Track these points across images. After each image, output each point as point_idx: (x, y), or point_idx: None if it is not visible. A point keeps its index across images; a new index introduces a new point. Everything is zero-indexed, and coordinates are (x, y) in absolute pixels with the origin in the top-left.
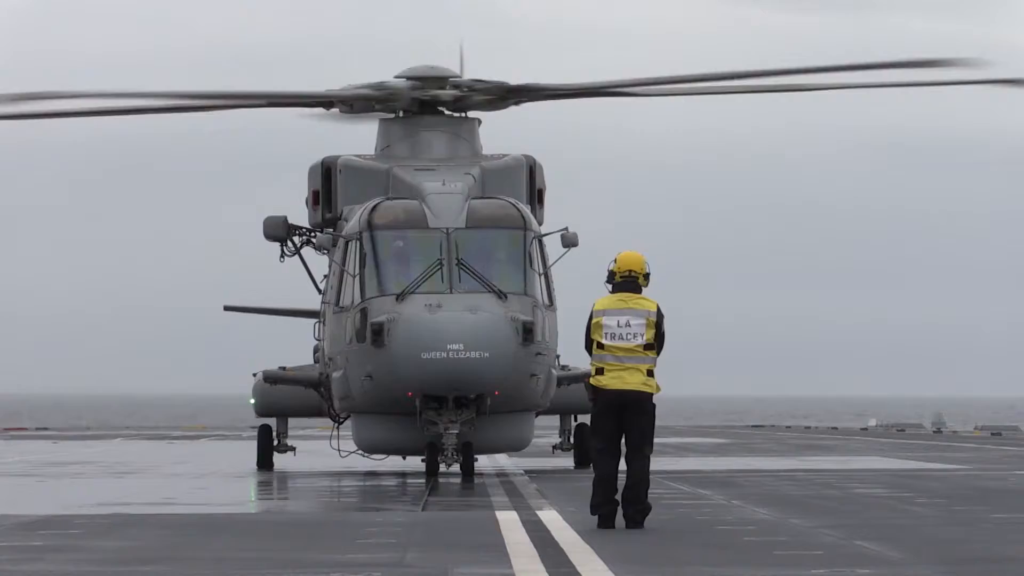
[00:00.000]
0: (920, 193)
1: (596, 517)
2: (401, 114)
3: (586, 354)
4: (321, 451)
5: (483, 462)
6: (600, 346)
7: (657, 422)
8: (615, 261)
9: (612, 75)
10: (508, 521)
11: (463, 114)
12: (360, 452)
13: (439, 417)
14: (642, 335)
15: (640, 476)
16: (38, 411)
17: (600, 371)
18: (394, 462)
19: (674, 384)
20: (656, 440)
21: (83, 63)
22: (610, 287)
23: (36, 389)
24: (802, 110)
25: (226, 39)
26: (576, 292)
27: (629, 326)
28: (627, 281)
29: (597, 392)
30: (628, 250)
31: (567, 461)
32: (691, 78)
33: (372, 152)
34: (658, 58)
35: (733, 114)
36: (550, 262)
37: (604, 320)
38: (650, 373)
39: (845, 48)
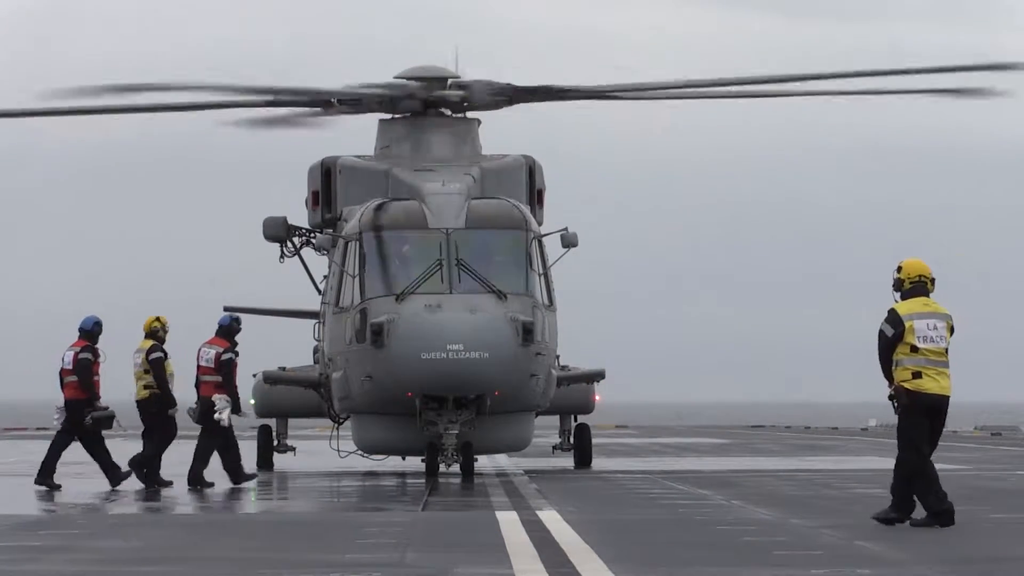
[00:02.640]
0: (919, 199)
1: (936, 515)
2: (400, 115)
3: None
4: (321, 451)
5: (483, 462)
6: (915, 349)
7: (656, 423)
8: (900, 268)
9: (610, 80)
10: (508, 521)
11: (462, 114)
12: (360, 452)
13: (439, 417)
14: (945, 338)
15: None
16: (30, 417)
17: (917, 375)
18: (394, 462)
19: (674, 389)
20: (656, 440)
21: (80, 65)
22: (898, 294)
23: (27, 395)
24: (806, 113)
25: (226, 41)
26: (576, 292)
27: (936, 329)
28: (919, 286)
29: (911, 395)
30: (911, 257)
31: (567, 461)
32: (689, 83)
33: (372, 152)
34: (657, 62)
35: (738, 117)
36: (550, 262)
37: (915, 324)
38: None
39: (845, 55)
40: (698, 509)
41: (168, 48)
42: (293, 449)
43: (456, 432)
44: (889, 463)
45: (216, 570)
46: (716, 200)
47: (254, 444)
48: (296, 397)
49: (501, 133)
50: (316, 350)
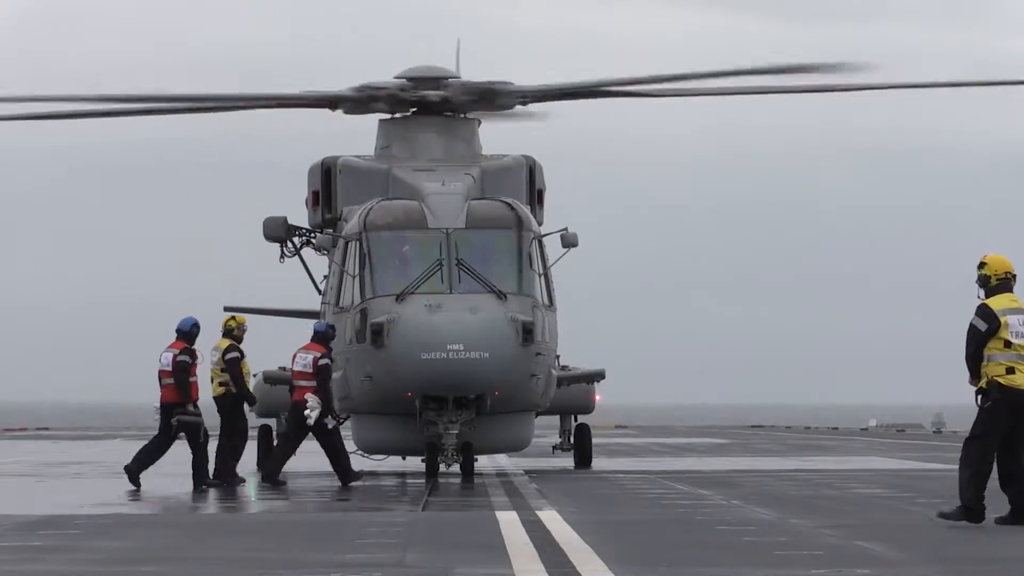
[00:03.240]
0: (917, 200)
1: (968, 510)
2: (400, 115)
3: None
4: (321, 451)
5: (483, 462)
6: (1008, 345)
7: (657, 423)
8: (985, 264)
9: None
10: (508, 521)
11: (463, 115)
12: (360, 452)
13: (439, 417)
14: None
15: None
16: (36, 422)
17: (1011, 370)
18: (394, 462)
19: (674, 391)
20: (656, 440)
21: (79, 66)
22: (983, 291)
23: (27, 396)
24: (809, 115)
25: (225, 43)
26: (576, 292)
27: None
28: (1005, 282)
29: (1003, 391)
30: (993, 253)
31: (567, 461)
32: (689, 76)
33: (372, 152)
34: (656, 66)
35: (738, 117)
36: (550, 262)
37: (1009, 319)
38: None
39: (840, 56)
40: (698, 509)
41: (168, 49)
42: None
43: (456, 432)
44: (889, 463)
45: (216, 570)
46: (717, 200)
47: (254, 444)
48: None
49: (501, 133)
50: None
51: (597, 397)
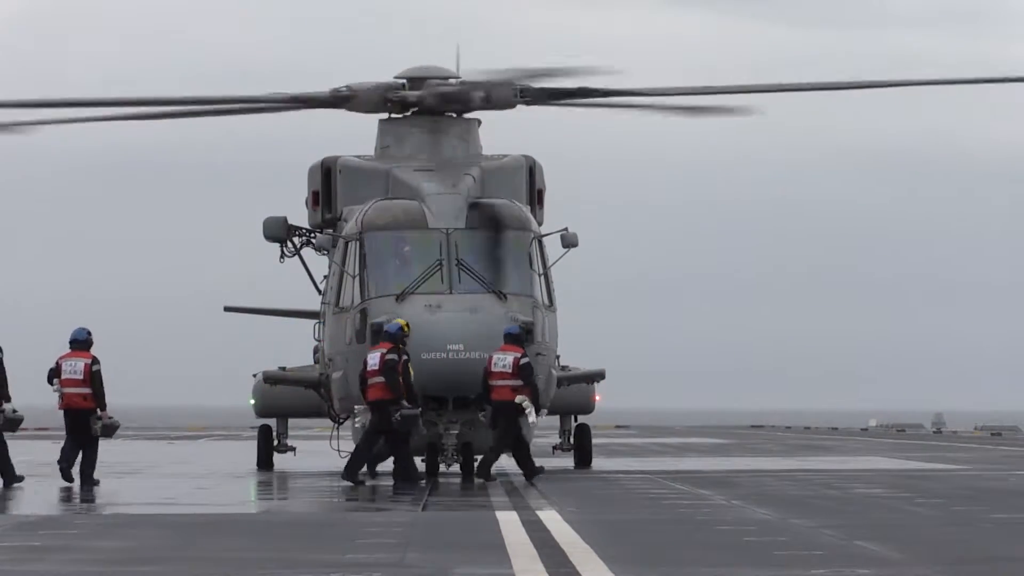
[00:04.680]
0: (918, 205)
1: None
2: (401, 114)
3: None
4: (321, 451)
5: None
6: None
7: (656, 423)
8: None
9: (611, 84)
10: (508, 521)
11: (463, 114)
12: None
13: (439, 417)
14: None
15: None
16: (36, 422)
17: None
18: None
19: (673, 394)
20: (656, 440)
21: (79, 66)
22: None
23: (27, 397)
24: (811, 119)
25: (224, 44)
26: (576, 293)
27: None
28: None
29: None
30: None
31: (567, 461)
32: (689, 91)
33: (372, 152)
34: (655, 68)
35: (735, 122)
36: (550, 262)
37: None
38: None
39: (841, 63)
40: (698, 509)
41: (169, 49)
42: (293, 449)
43: (456, 432)
44: (889, 463)
45: (216, 570)
46: (718, 201)
47: (254, 444)
48: (296, 397)
49: (501, 133)
50: (316, 350)
51: (597, 397)
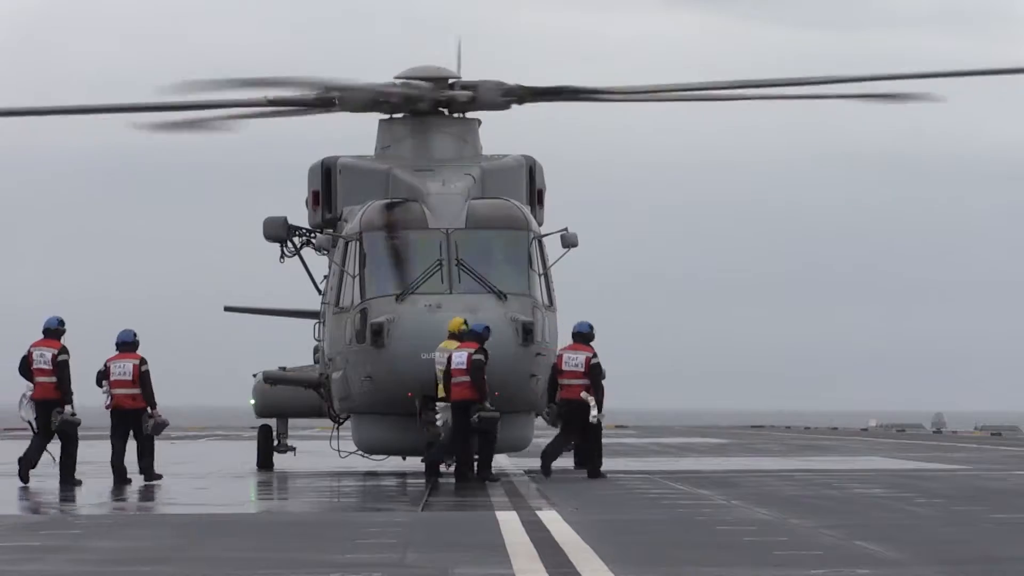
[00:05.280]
0: (918, 207)
1: None
2: (401, 114)
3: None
4: (321, 451)
5: None
6: None
7: (658, 423)
8: None
9: (613, 82)
10: (508, 521)
11: (463, 114)
12: (360, 452)
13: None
14: None
15: None
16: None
17: None
18: (394, 462)
19: (674, 395)
20: (656, 440)
21: (79, 67)
22: None
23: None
24: (810, 121)
25: (223, 45)
26: (576, 293)
27: None
28: None
29: None
30: None
31: (567, 461)
32: (687, 87)
33: (372, 153)
34: (655, 69)
35: (739, 120)
36: (550, 262)
37: None
38: None
39: (841, 63)
40: (698, 509)
41: (168, 50)
42: (293, 449)
43: None
44: (889, 463)
45: (216, 570)
46: (719, 201)
47: (254, 444)
48: (296, 397)
49: (501, 133)
50: (316, 350)
51: None
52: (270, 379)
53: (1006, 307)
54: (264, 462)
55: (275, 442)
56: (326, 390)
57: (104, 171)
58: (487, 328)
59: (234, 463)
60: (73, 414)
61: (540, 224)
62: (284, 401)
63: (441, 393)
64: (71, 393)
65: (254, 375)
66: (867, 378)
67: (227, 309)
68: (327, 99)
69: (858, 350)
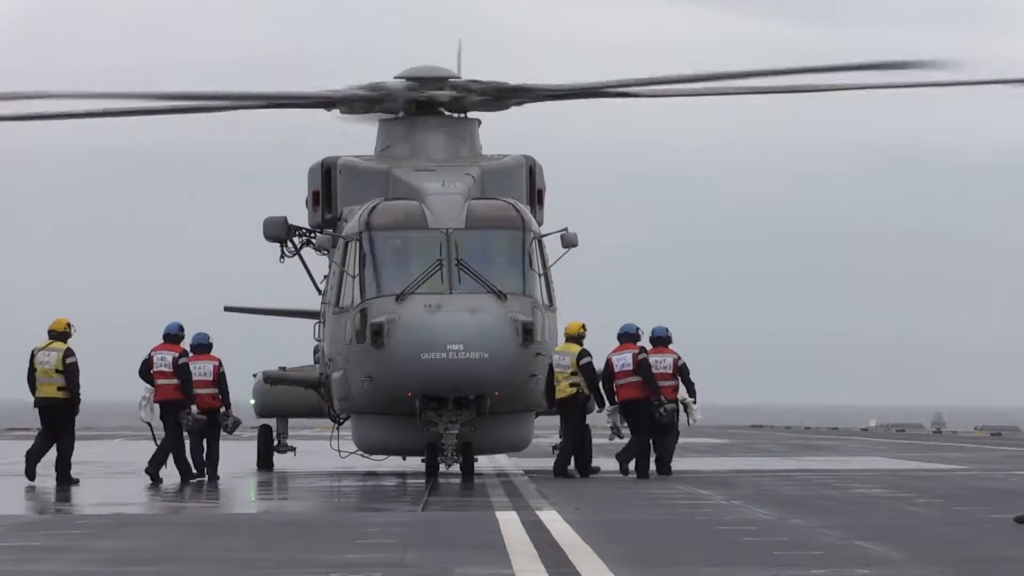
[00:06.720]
0: (919, 204)
1: None
2: (401, 115)
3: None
4: (321, 451)
5: (483, 462)
6: None
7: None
8: None
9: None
10: (508, 521)
11: (463, 114)
12: (360, 452)
13: (439, 417)
14: None
15: None
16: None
17: None
18: (394, 462)
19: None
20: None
21: (79, 68)
22: None
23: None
24: (809, 119)
25: (223, 44)
26: (576, 293)
27: None
28: None
29: None
30: None
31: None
32: (689, 78)
33: (372, 153)
34: (655, 69)
35: (736, 121)
36: (550, 262)
37: None
38: None
39: (845, 57)
40: (698, 509)
41: (169, 51)
42: (293, 449)
43: (456, 432)
44: (889, 463)
45: (216, 570)
46: (715, 204)
47: (254, 444)
48: (296, 397)
49: (501, 133)
50: (316, 350)
51: None
52: (270, 379)
53: (1007, 306)
54: (264, 462)
55: (275, 442)
56: (326, 390)
57: (104, 170)
58: (638, 329)
59: (234, 463)
60: (201, 413)
61: (540, 224)
62: (284, 401)
63: (559, 394)
64: (193, 393)
65: (254, 375)
66: (867, 378)
67: (227, 309)
68: (327, 100)
69: (858, 348)
